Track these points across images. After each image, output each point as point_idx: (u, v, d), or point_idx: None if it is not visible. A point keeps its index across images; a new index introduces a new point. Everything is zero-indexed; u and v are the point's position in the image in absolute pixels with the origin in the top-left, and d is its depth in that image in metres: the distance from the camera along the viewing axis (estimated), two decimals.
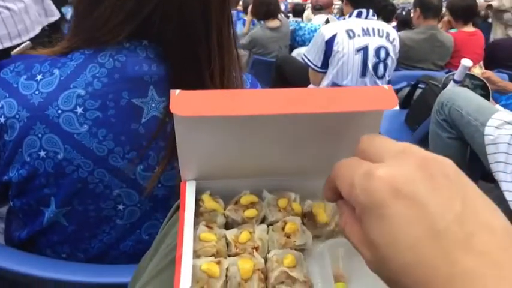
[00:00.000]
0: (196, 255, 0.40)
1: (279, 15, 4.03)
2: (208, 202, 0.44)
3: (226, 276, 0.39)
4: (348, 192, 0.29)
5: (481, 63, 2.38)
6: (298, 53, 3.64)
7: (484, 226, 0.25)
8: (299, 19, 5.42)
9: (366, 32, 2.51)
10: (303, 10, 6.10)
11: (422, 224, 0.25)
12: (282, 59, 3.47)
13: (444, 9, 3.83)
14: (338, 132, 0.41)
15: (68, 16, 1.82)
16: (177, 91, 0.37)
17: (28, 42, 1.50)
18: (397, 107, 2.47)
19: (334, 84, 2.57)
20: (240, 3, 5.87)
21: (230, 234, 0.42)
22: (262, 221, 0.46)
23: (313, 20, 5.02)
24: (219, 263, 0.38)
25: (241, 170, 0.45)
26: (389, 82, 2.67)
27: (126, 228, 0.72)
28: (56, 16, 1.56)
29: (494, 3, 4.58)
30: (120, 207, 0.70)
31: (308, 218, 0.45)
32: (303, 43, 4.14)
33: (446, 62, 3.42)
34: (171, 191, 0.71)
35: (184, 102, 0.37)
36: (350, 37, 2.48)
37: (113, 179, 0.68)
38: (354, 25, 2.52)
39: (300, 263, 0.40)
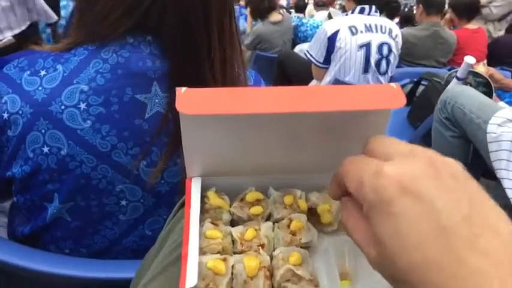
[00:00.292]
0: (202, 252, 0.39)
1: (281, 10, 4.02)
2: (213, 199, 0.44)
3: (232, 273, 0.39)
4: (357, 189, 0.30)
5: (485, 61, 2.37)
6: (301, 49, 3.63)
7: (491, 228, 0.25)
8: (301, 15, 5.41)
9: (368, 29, 2.50)
10: (305, 6, 6.08)
11: (429, 221, 0.25)
12: (284, 54, 3.46)
13: (446, 7, 3.82)
14: (345, 130, 0.41)
15: (62, 12, 1.82)
16: (183, 89, 0.37)
17: (11, 37, 1.51)
18: None
19: (336, 81, 2.57)
20: None
21: (236, 231, 0.42)
22: (268, 218, 0.46)
23: (315, 16, 5.01)
24: (224, 260, 0.38)
25: (247, 167, 0.45)
26: (391, 78, 2.67)
27: (129, 224, 0.72)
28: (50, 18, 1.56)
29: None
30: (123, 203, 0.70)
31: (312, 213, 0.45)
32: (305, 39, 4.13)
33: (448, 59, 3.41)
34: (174, 188, 0.71)
35: (190, 100, 0.36)
36: (353, 33, 2.48)
37: (116, 175, 0.68)
38: (357, 21, 2.51)
39: (306, 260, 0.40)
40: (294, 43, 4.18)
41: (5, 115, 0.65)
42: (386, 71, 2.59)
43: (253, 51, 3.82)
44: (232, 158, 0.44)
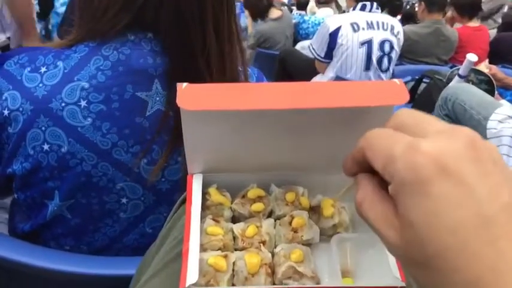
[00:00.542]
0: (203, 248, 0.39)
1: (281, 7, 4.02)
2: (215, 195, 0.44)
3: (233, 270, 0.38)
4: (384, 165, 0.27)
5: (487, 61, 2.37)
6: (302, 46, 3.62)
7: None
8: (303, 12, 5.39)
9: (370, 26, 2.50)
10: (307, 3, 6.06)
11: (469, 208, 0.24)
12: (286, 52, 3.45)
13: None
14: (347, 127, 0.40)
15: (60, 10, 1.82)
16: (184, 84, 0.37)
17: (5, 39, 1.52)
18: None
19: (338, 78, 2.56)
20: None
21: (237, 228, 0.42)
22: (270, 215, 0.45)
23: (317, 13, 5.00)
24: (225, 257, 0.38)
25: (248, 164, 0.45)
26: (392, 76, 2.66)
27: (129, 222, 0.72)
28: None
29: None
30: (124, 200, 0.70)
31: (314, 211, 0.45)
32: (307, 36, 4.12)
33: (450, 56, 3.41)
34: (175, 185, 0.71)
35: (191, 96, 0.36)
36: (354, 30, 2.47)
37: (116, 173, 0.67)
38: (359, 18, 2.50)
39: (308, 258, 0.40)
40: (296, 40, 4.17)
41: (6, 112, 0.65)
42: (388, 68, 2.58)
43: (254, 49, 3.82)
44: (233, 155, 0.44)
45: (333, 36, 2.50)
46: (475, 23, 3.47)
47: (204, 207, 0.43)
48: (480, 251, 0.23)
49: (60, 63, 0.66)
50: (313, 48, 2.65)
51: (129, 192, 0.70)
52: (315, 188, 0.46)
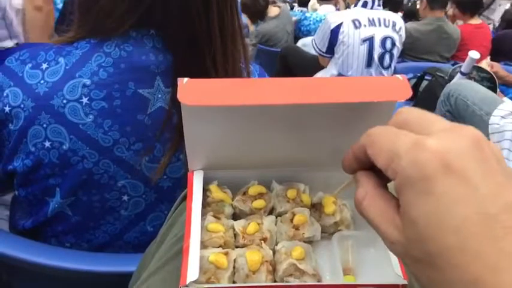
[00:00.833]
0: (204, 246, 0.39)
1: (280, 3, 4.02)
2: (215, 192, 0.43)
3: (234, 267, 0.38)
4: (387, 162, 0.27)
5: (488, 60, 2.36)
6: (303, 43, 3.61)
7: None
8: (304, 9, 5.37)
9: (372, 22, 2.49)
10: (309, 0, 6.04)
11: (471, 206, 0.23)
12: (287, 49, 3.44)
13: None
14: (349, 122, 0.40)
15: (59, 6, 1.81)
16: (185, 79, 0.36)
17: (13, 45, 1.53)
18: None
19: (339, 75, 2.56)
20: None
21: (238, 225, 0.42)
22: (271, 212, 0.45)
23: (318, 10, 4.98)
24: (226, 254, 0.38)
25: (250, 160, 0.44)
26: (394, 72, 2.66)
27: (130, 220, 0.72)
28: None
29: None
30: (125, 198, 0.70)
31: (315, 208, 0.44)
32: (308, 33, 4.11)
33: (452, 54, 3.39)
34: (176, 183, 0.71)
35: (192, 91, 0.36)
36: (356, 27, 2.46)
37: (118, 170, 0.67)
38: (360, 15, 2.50)
39: (309, 255, 0.40)
40: (297, 37, 4.16)
41: (7, 108, 0.65)
42: (390, 65, 2.58)
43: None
44: (234, 151, 0.43)
45: (334, 32, 2.49)
46: (476, 21, 3.46)
47: (205, 204, 0.43)
48: (481, 249, 0.23)
49: (61, 60, 0.65)
50: (316, 43, 2.66)
51: (130, 189, 0.69)
52: (316, 185, 0.46)
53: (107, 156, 0.66)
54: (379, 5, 2.56)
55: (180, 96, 0.35)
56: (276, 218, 0.44)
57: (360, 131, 0.35)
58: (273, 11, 3.86)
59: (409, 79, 2.66)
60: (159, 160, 0.68)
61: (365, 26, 2.47)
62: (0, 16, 1.58)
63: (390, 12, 2.69)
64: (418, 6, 4.43)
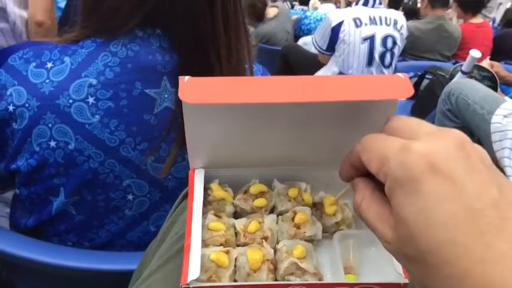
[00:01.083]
0: (205, 244, 0.39)
1: (276, 3, 4.02)
2: (216, 191, 0.43)
3: (235, 266, 0.38)
4: (379, 166, 0.28)
5: (488, 60, 2.36)
6: (304, 42, 3.61)
7: None
8: (305, 7, 5.37)
9: (373, 21, 2.49)
10: None
11: (458, 202, 0.25)
12: (288, 47, 3.44)
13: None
14: (350, 121, 0.40)
15: (61, 4, 1.80)
16: (186, 78, 0.36)
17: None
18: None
19: (340, 73, 2.56)
20: None
21: (239, 223, 0.42)
22: (272, 210, 0.45)
23: (319, 9, 4.97)
24: (227, 252, 0.38)
25: (251, 159, 0.44)
26: (395, 71, 2.65)
27: (134, 219, 0.72)
28: None
29: None
30: (130, 197, 0.69)
31: (316, 208, 0.44)
32: (309, 32, 4.10)
33: (453, 52, 3.39)
34: (181, 183, 0.71)
35: (193, 89, 0.36)
36: (357, 25, 2.46)
37: (123, 170, 0.67)
38: (361, 13, 2.49)
39: (310, 254, 0.40)
40: (298, 36, 4.15)
41: (11, 108, 0.64)
42: (391, 64, 2.57)
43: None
44: (236, 150, 0.43)
45: (335, 30, 2.49)
46: (478, 20, 3.45)
47: (206, 202, 0.43)
48: (469, 244, 0.24)
49: (67, 59, 0.65)
50: (316, 41, 2.65)
51: (135, 189, 0.69)
52: (318, 183, 0.46)
53: (113, 156, 0.66)
54: (380, 4, 2.56)
55: (181, 94, 0.35)
56: (277, 216, 0.44)
57: (361, 129, 0.35)
58: (271, 12, 3.87)
59: (410, 78, 2.66)
60: (165, 160, 0.68)
61: (366, 24, 2.47)
62: (10, 28, 1.60)
63: (392, 10, 2.68)
64: (419, 5, 4.43)
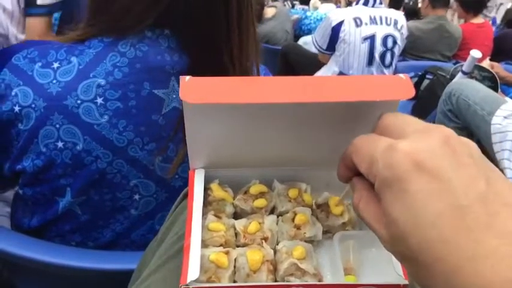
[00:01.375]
0: (205, 245, 0.39)
1: (275, 4, 4.02)
2: (217, 191, 0.43)
3: (235, 266, 0.38)
4: (368, 167, 0.29)
5: (488, 61, 2.36)
6: (305, 41, 3.61)
7: (508, 206, 0.24)
8: (306, 7, 5.37)
9: (373, 21, 2.49)
10: None
11: (445, 200, 0.25)
12: (288, 46, 3.44)
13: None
14: (351, 122, 0.40)
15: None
16: (187, 77, 0.36)
17: None
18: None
19: (340, 74, 2.56)
20: None
21: (239, 224, 0.41)
22: (272, 211, 0.45)
23: (319, 9, 4.97)
24: (227, 253, 0.38)
25: (251, 159, 0.44)
26: (396, 71, 2.65)
27: (139, 219, 0.72)
28: None
29: None
30: (136, 197, 0.69)
31: (321, 209, 0.44)
32: (309, 32, 4.10)
33: (453, 53, 3.39)
34: (187, 182, 0.70)
35: (194, 89, 0.36)
36: (357, 25, 2.46)
37: (131, 170, 0.67)
38: (362, 13, 2.49)
39: (310, 255, 0.40)
40: (298, 36, 4.15)
41: (16, 108, 0.63)
42: (391, 63, 2.58)
43: None
44: (236, 150, 0.43)
45: (335, 30, 2.49)
46: (479, 20, 3.45)
47: (206, 202, 0.43)
48: (458, 240, 0.24)
49: (74, 59, 0.64)
50: (316, 40, 2.65)
51: (142, 189, 0.69)
52: (318, 184, 0.46)
53: (121, 156, 0.65)
54: (380, 3, 2.56)
55: (181, 94, 0.35)
56: (277, 217, 0.44)
57: (362, 130, 0.35)
58: (269, 12, 3.87)
59: (410, 78, 2.66)
60: (172, 160, 0.68)
61: (366, 24, 2.47)
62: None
63: (392, 10, 2.68)
64: (419, 5, 4.42)
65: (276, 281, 0.38)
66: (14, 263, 0.69)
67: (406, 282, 0.36)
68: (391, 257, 0.38)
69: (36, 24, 1.59)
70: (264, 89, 0.36)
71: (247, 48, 0.70)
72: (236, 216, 0.44)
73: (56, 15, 1.74)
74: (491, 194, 0.25)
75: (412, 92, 0.36)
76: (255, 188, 0.44)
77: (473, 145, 0.28)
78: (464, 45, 3.31)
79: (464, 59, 2.14)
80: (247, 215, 0.43)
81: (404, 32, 2.59)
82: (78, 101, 0.63)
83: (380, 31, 2.48)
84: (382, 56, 2.52)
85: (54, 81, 0.63)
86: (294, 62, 3.19)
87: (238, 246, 0.41)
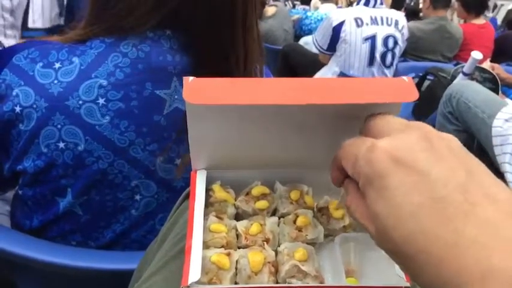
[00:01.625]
0: (206, 246, 0.39)
1: (275, 3, 4.03)
2: (218, 192, 0.43)
3: (236, 268, 0.38)
4: (352, 166, 0.30)
5: (488, 62, 2.35)
6: (305, 41, 3.61)
7: (488, 197, 0.25)
8: (307, 7, 5.36)
9: (374, 21, 2.49)
10: None
11: (424, 192, 0.25)
12: (288, 46, 3.44)
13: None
14: (354, 124, 0.40)
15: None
16: (191, 78, 0.36)
17: None
18: None
19: (341, 74, 2.56)
20: None
21: (240, 225, 0.41)
22: (274, 213, 0.45)
23: (320, 9, 4.97)
24: (228, 254, 0.38)
25: (253, 161, 0.44)
26: (396, 71, 2.65)
27: (140, 219, 0.71)
28: None
29: None
30: (137, 197, 0.69)
31: (322, 213, 0.44)
32: (310, 32, 4.10)
33: (454, 54, 3.38)
34: (189, 183, 0.70)
35: (197, 89, 0.36)
36: (358, 25, 2.46)
37: (132, 170, 0.67)
38: (363, 13, 2.49)
39: (312, 257, 0.39)
40: (299, 36, 4.15)
41: (17, 108, 0.63)
42: (392, 64, 2.58)
43: None
44: (238, 151, 0.43)
45: (336, 30, 2.49)
46: (480, 21, 3.44)
47: (208, 203, 0.43)
48: (439, 231, 0.24)
49: (75, 59, 0.64)
50: (316, 40, 2.66)
51: (143, 189, 0.69)
52: (320, 186, 0.46)
53: (122, 156, 0.65)
54: (381, 4, 2.56)
55: (185, 94, 0.35)
56: (279, 219, 0.43)
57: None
58: (269, 10, 3.88)
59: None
60: (174, 161, 0.68)
61: (367, 24, 2.47)
62: None
63: (393, 10, 2.68)
64: (420, 6, 4.42)
65: (277, 282, 0.38)
66: (14, 263, 0.69)
67: (408, 284, 0.36)
68: None
69: None
70: (268, 90, 0.36)
71: (251, 49, 0.70)
72: (238, 217, 0.44)
73: None
74: (472, 184, 0.25)
75: (415, 95, 0.36)
76: (257, 190, 0.44)
77: (453, 138, 0.28)
78: (465, 46, 3.31)
79: (465, 60, 2.14)
80: (248, 216, 0.43)
81: (405, 32, 2.59)
82: (80, 102, 0.63)
83: (381, 31, 2.49)
84: (383, 57, 2.52)
85: (56, 82, 0.63)
86: (295, 62, 3.19)
87: (239, 247, 0.41)
